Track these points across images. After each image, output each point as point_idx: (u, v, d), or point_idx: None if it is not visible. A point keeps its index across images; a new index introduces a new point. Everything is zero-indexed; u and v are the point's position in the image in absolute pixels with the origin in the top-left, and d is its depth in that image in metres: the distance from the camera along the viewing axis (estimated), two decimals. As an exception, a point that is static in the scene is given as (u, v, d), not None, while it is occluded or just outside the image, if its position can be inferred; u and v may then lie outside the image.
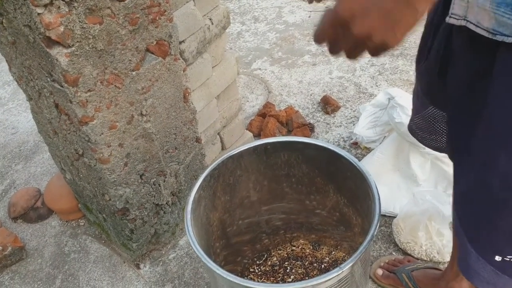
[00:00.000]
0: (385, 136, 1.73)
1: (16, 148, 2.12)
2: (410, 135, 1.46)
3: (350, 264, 0.85)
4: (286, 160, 1.01)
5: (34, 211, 1.72)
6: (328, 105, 2.04)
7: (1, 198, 1.86)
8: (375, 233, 0.88)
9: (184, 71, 1.30)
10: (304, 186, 1.20)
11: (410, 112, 1.50)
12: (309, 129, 1.92)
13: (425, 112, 1.03)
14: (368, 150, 1.78)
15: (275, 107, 2.06)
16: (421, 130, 1.13)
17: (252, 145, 1.10)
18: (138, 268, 1.53)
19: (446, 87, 0.83)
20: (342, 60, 2.34)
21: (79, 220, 1.71)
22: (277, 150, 1.12)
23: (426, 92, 1.00)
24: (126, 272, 1.52)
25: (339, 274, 0.85)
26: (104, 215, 1.47)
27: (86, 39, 1.01)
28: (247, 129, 1.94)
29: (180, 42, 1.32)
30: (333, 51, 0.58)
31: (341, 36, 0.54)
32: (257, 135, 1.94)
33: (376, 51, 0.54)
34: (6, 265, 1.57)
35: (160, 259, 1.54)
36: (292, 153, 0.98)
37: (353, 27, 0.51)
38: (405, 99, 1.53)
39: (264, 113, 2.00)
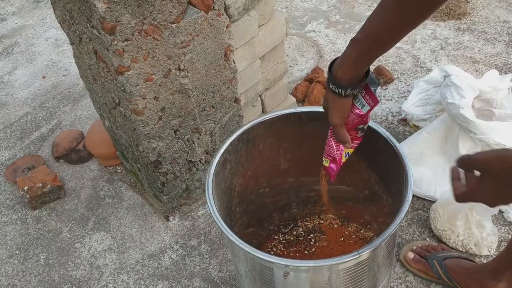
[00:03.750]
0: (436, 116, 1.62)
1: (66, 90, 2.18)
2: (462, 118, 1.36)
3: (369, 250, 0.80)
4: (318, 130, 0.96)
5: (75, 153, 1.77)
6: (381, 76, 1.93)
7: (47, 137, 1.93)
8: (401, 221, 0.83)
9: (227, 27, 1.26)
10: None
11: (464, 93, 1.39)
12: (356, 99, 1.83)
13: None
14: (417, 128, 1.68)
15: (324, 73, 1.98)
16: None
17: (285, 113, 1.05)
18: (168, 220, 1.55)
19: None
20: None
21: (117, 167, 1.75)
22: (311, 120, 1.07)
23: None
24: (155, 222, 1.55)
25: (356, 258, 0.81)
26: (138, 165, 1.49)
27: (125, -14, 0.98)
28: (291, 93, 1.88)
29: (226, -3, 1.26)
30: None
31: None
32: (301, 101, 1.87)
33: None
34: (44, 201, 1.64)
35: (189, 214, 1.56)
36: (326, 124, 0.93)
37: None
38: (461, 79, 1.41)
39: (312, 78, 1.92)
